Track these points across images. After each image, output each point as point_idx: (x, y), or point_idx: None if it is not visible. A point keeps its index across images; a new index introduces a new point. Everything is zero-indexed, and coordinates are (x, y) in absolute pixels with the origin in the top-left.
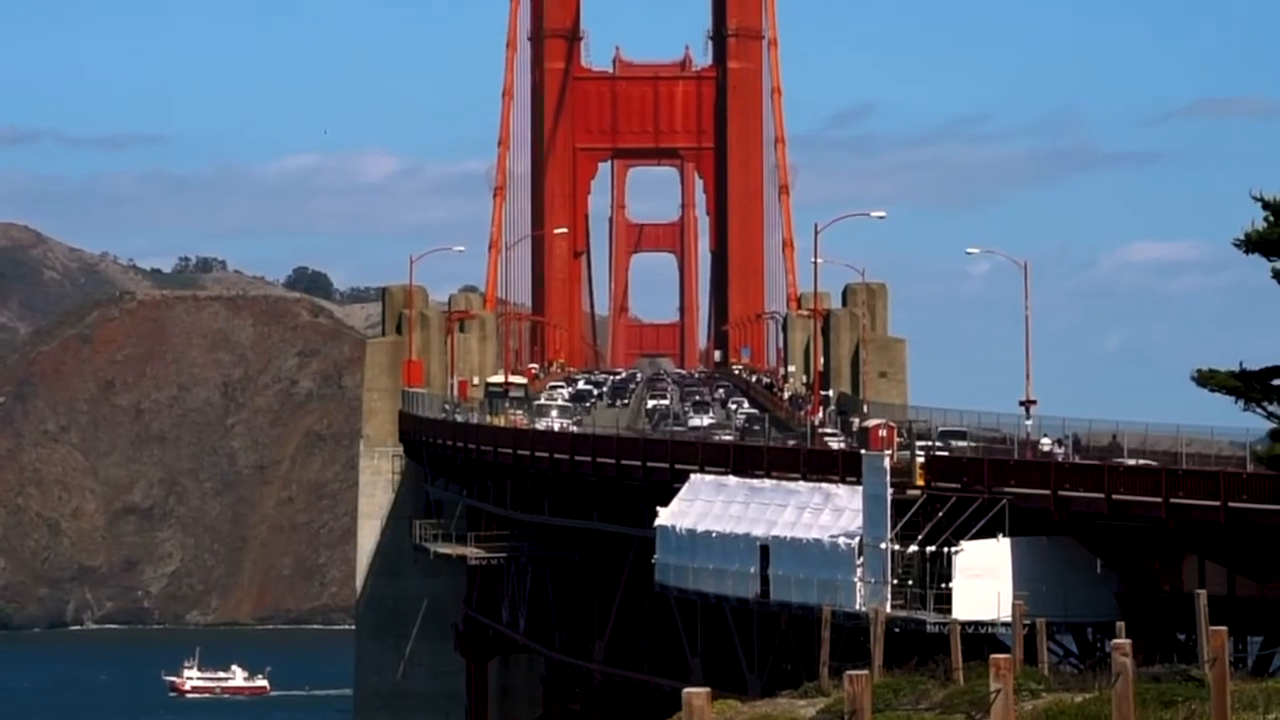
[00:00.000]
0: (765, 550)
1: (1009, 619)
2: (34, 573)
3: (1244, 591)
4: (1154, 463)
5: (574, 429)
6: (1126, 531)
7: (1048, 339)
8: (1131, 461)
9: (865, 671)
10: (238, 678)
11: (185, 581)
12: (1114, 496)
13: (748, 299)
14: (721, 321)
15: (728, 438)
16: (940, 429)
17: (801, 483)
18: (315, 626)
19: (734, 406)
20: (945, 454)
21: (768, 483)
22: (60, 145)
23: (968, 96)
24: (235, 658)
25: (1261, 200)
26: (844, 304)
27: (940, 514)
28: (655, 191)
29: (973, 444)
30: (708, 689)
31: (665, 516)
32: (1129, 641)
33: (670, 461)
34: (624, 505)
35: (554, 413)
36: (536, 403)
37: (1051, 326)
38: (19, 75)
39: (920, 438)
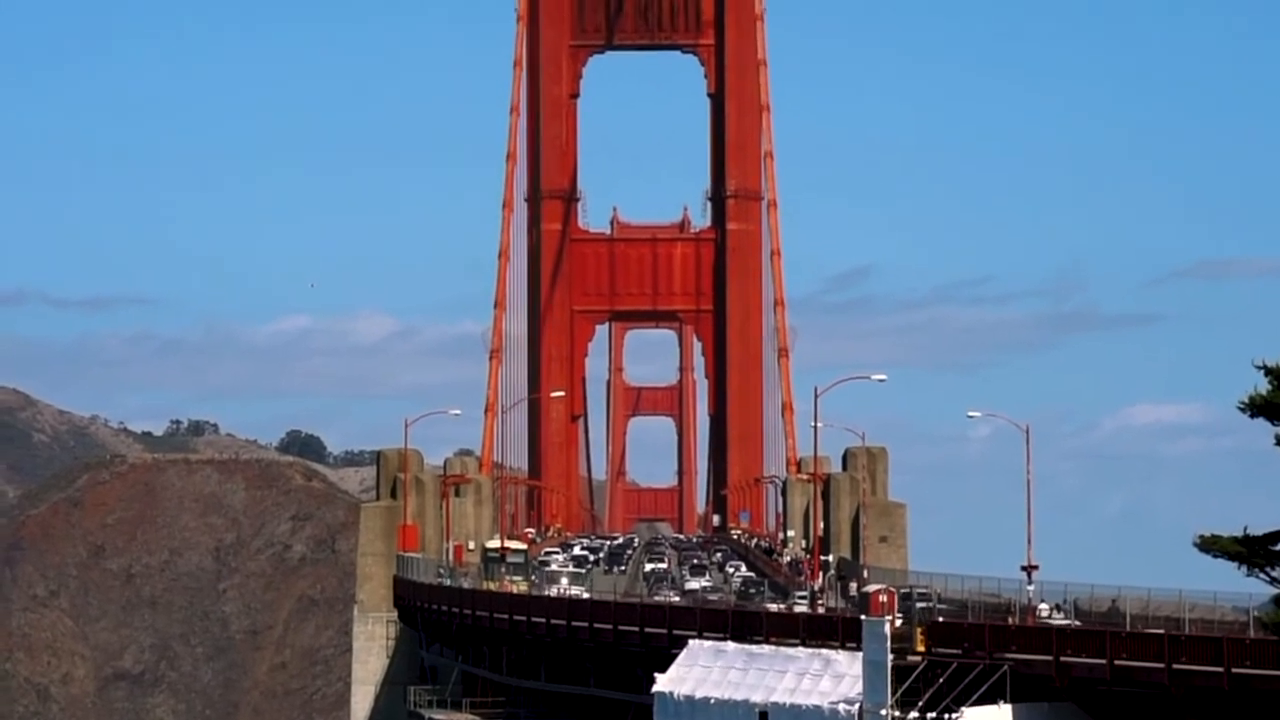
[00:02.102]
0: (764, 716)
1: None
2: None
3: None
4: (1076, 622)
5: (585, 595)
6: (1129, 698)
7: (1049, 502)
8: (1059, 622)
9: None
10: None
11: None
12: (1116, 662)
13: (747, 463)
14: (720, 485)
15: (726, 599)
16: (902, 590)
17: (801, 648)
18: None
19: (731, 570)
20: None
21: (766, 648)
22: (47, 307)
23: (967, 259)
24: None
25: (1264, 367)
26: (844, 468)
27: (941, 680)
28: (654, 354)
29: (930, 605)
30: None
31: (663, 682)
32: None
33: (668, 627)
34: (622, 671)
35: (564, 580)
36: (546, 569)
37: (1053, 490)
38: (3, 236)
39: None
